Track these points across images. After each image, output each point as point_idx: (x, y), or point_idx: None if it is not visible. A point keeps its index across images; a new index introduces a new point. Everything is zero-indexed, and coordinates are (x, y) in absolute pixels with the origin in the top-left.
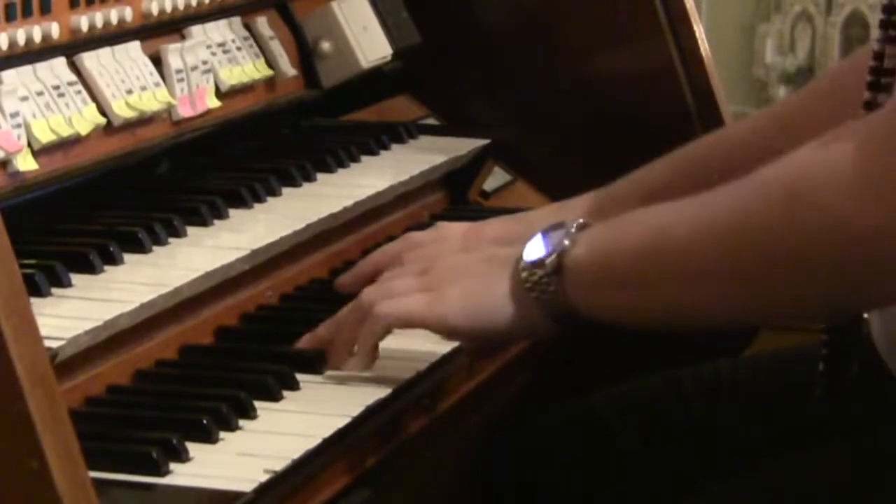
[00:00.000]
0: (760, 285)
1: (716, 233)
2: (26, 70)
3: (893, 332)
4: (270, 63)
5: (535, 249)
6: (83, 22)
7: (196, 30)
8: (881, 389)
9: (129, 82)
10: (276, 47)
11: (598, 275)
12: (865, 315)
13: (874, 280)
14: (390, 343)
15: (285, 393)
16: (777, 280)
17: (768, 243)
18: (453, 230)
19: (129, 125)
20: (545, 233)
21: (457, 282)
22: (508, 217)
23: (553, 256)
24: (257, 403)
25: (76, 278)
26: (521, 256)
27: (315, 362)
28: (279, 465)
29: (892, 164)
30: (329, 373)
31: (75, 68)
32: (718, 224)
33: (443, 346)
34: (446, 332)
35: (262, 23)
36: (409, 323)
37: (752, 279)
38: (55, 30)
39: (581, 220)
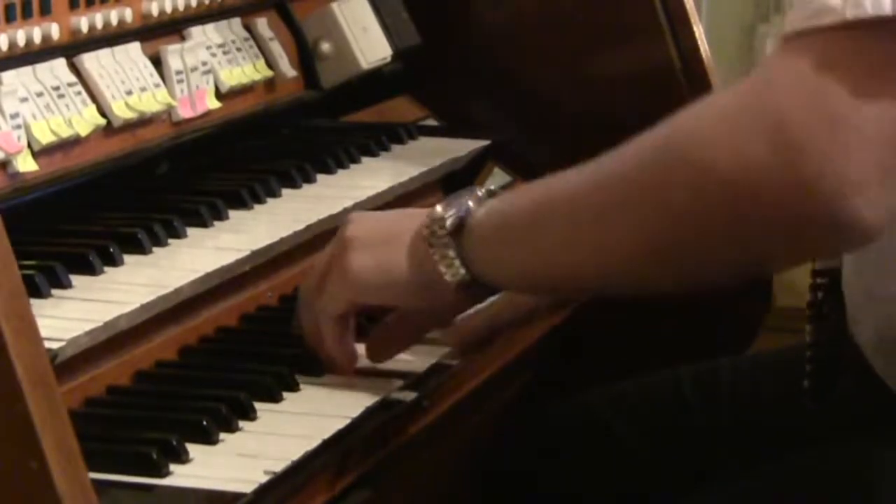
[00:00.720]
0: (637, 244)
1: (599, 192)
2: (26, 71)
3: (886, 338)
4: (270, 64)
5: (443, 209)
6: (83, 23)
7: (196, 31)
8: (873, 394)
9: (128, 83)
10: (276, 48)
11: (490, 234)
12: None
13: (761, 227)
14: None
15: (285, 394)
16: (678, 233)
17: (643, 208)
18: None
19: (129, 126)
20: (457, 195)
21: (368, 241)
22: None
23: (454, 216)
24: (257, 404)
25: (76, 279)
26: (430, 214)
27: (315, 363)
28: (279, 466)
29: (767, 97)
30: (329, 374)
31: (75, 69)
32: (602, 184)
33: (442, 347)
34: (363, 296)
35: (261, 24)
36: (337, 302)
37: (627, 238)
38: (55, 30)
39: (491, 187)
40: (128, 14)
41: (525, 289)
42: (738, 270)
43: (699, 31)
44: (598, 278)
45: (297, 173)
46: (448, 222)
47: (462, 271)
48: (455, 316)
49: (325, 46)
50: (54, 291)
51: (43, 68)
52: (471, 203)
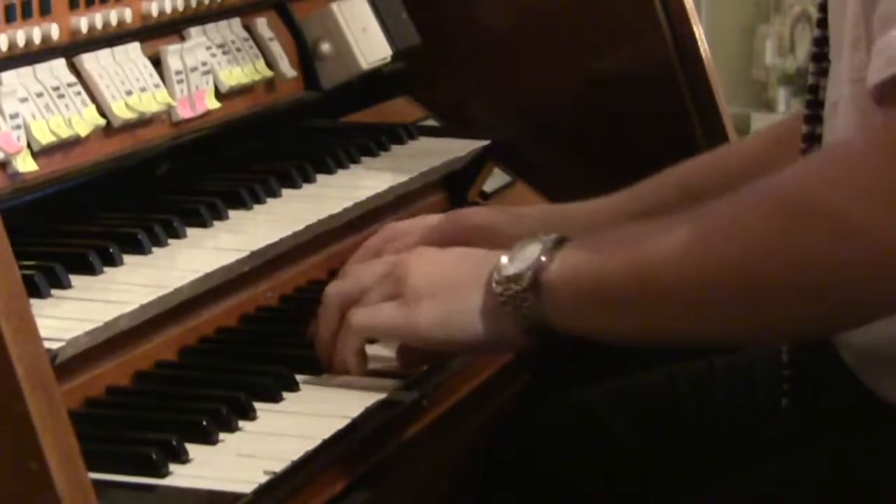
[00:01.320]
0: (761, 305)
1: (711, 253)
2: (26, 71)
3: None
4: (270, 64)
5: (511, 263)
6: (83, 23)
7: (196, 31)
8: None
9: (128, 83)
10: (276, 48)
11: (579, 295)
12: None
13: (882, 293)
14: (390, 345)
15: (285, 394)
16: (780, 299)
17: (769, 260)
18: (433, 219)
19: (129, 126)
20: (521, 246)
21: (431, 290)
22: (496, 207)
23: (530, 272)
24: (257, 405)
25: (76, 279)
26: (496, 267)
27: (315, 363)
28: (279, 467)
29: None
30: (329, 374)
31: (75, 69)
32: (713, 243)
33: None
34: (421, 343)
35: (261, 24)
36: (383, 334)
37: (752, 299)
38: (55, 31)
39: (556, 236)
40: (127, 14)
41: (611, 344)
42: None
43: (699, 31)
44: (708, 336)
45: (297, 173)
46: (525, 280)
47: (540, 327)
48: None
49: (325, 47)
50: (54, 292)
51: (43, 68)
52: (543, 258)
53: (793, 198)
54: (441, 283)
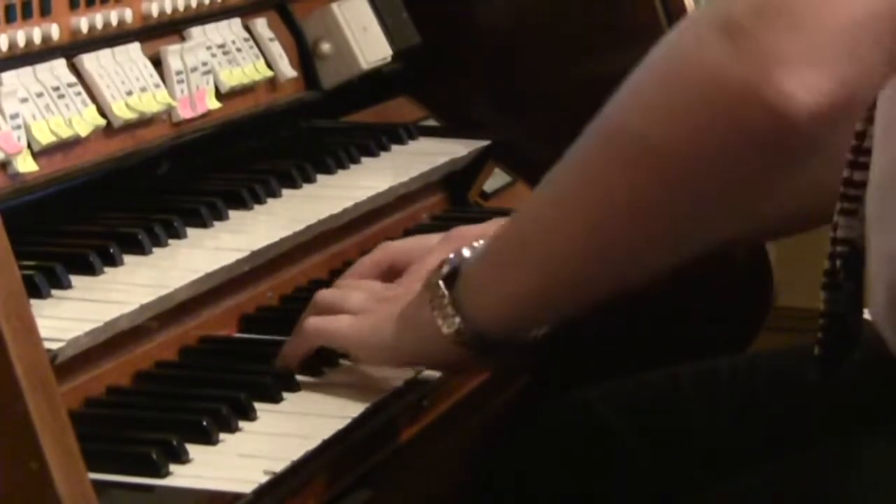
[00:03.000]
0: (645, 209)
1: (581, 175)
2: (26, 71)
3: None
4: (270, 64)
5: (443, 269)
6: (83, 23)
7: (196, 31)
8: (883, 368)
9: (128, 83)
10: (276, 48)
11: (476, 272)
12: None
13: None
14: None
15: (285, 394)
16: (662, 188)
17: (639, 149)
18: (430, 239)
19: (129, 126)
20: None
21: (391, 304)
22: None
23: (449, 265)
24: (257, 405)
25: (76, 279)
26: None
27: (315, 363)
28: (279, 467)
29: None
30: (329, 374)
31: (75, 70)
32: (582, 162)
33: None
34: (362, 354)
35: (261, 24)
36: (330, 342)
37: (632, 204)
38: (55, 31)
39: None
40: (128, 14)
41: (521, 320)
42: (729, 207)
43: None
44: (596, 271)
45: (298, 173)
46: (444, 269)
47: (457, 320)
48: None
49: (326, 46)
50: (54, 292)
51: (43, 69)
52: (466, 251)
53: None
54: (406, 295)
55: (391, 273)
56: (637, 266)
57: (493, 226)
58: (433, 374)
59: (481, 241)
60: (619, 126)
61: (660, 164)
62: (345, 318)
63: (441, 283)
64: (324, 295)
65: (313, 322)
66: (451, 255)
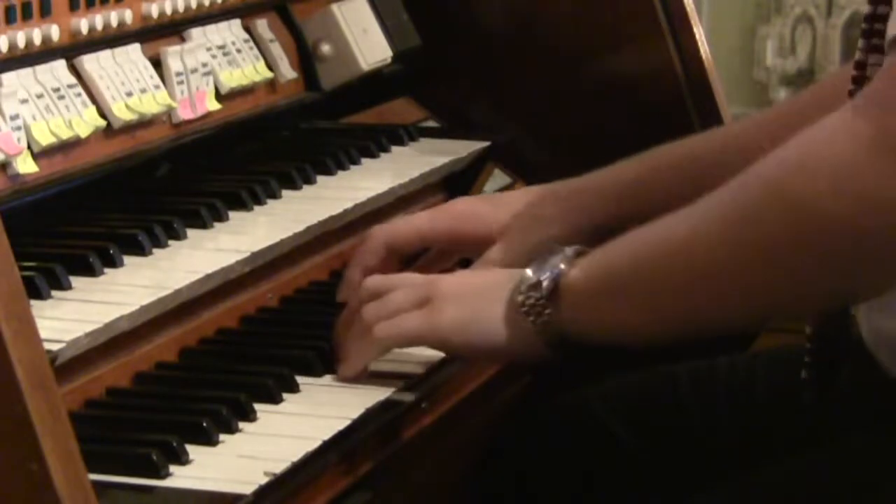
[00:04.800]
0: (756, 280)
1: (710, 231)
2: (26, 72)
3: (879, 329)
4: (270, 65)
5: (534, 273)
6: (83, 24)
7: (196, 32)
8: (875, 388)
9: (128, 85)
10: (276, 50)
11: (592, 293)
12: (853, 313)
13: (867, 262)
14: None
15: (285, 395)
16: (776, 271)
17: (760, 236)
18: (423, 216)
19: (129, 127)
20: (544, 258)
21: (456, 297)
22: (481, 196)
23: (549, 280)
24: (257, 406)
25: (76, 281)
26: (521, 278)
27: (314, 364)
28: (279, 468)
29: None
30: (329, 376)
31: (75, 71)
32: (711, 222)
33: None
34: (441, 347)
35: (262, 25)
36: (406, 343)
37: (748, 274)
38: (55, 32)
39: (578, 247)
40: (128, 15)
41: (624, 343)
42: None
43: (699, 32)
44: (706, 322)
45: (297, 175)
46: (545, 288)
47: (560, 334)
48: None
49: (326, 48)
50: (54, 293)
51: (43, 70)
52: (563, 265)
53: (770, 177)
54: (467, 291)
55: (391, 256)
56: (748, 317)
57: (480, 201)
58: (433, 375)
59: (574, 252)
60: (785, 189)
61: (823, 239)
62: (412, 315)
63: (544, 300)
64: (369, 299)
65: (384, 328)
66: (544, 272)
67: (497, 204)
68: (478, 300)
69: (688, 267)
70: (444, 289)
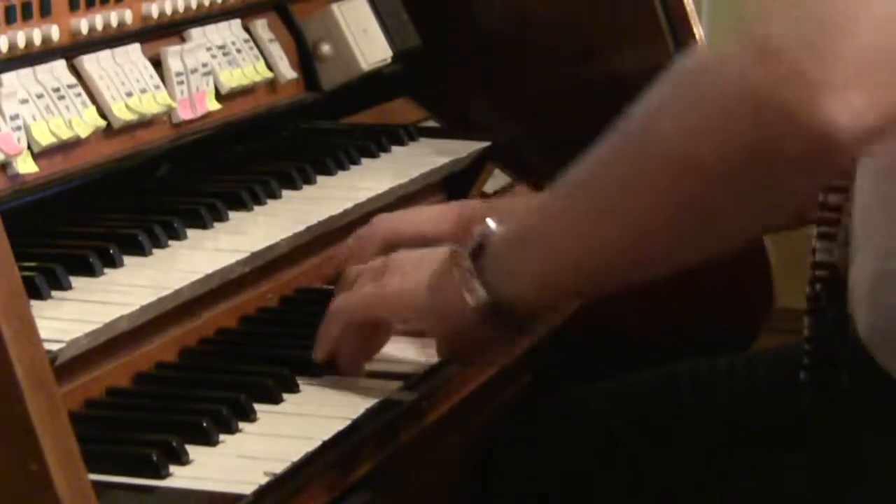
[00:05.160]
0: (679, 213)
1: (617, 174)
2: (26, 73)
3: (875, 328)
4: (270, 65)
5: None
6: (83, 24)
7: (196, 32)
8: (875, 388)
9: (128, 85)
10: (276, 50)
11: (505, 245)
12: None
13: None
14: (389, 346)
15: (285, 395)
16: (692, 177)
17: (676, 143)
18: (426, 209)
19: (129, 128)
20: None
21: (402, 271)
22: (491, 203)
23: (478, 239)
24: (257, 406)
25: (76, 281)
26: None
27: (314, 365)
28: (279, 468)
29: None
30: (329, 375)
31: (75, 71)
32: (618, 162)
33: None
34: (389, 315)
35: (262, 25)
36: (359, 313)
37: (666, 207)
38: (55, 32)
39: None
40: (128, 15)
41: (545, 298)
42: (757, 209)
43: (699, 31)
44: (623, 262)
45: (297, 175)
46: (471, 243)
47: (481, 293)
48: (494, 352)
49: (326, 48)
50: (54, 293)
51: (43, 70)
52: (493, 224)
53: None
54: (416, 262)
55: (387, 251)
56: (664, 261)
57: (490, 209)
58: (433, 375)
59: (501, 216)
60: (655, 137)
61: (698, 179)
62: (363, 288)
63: (468, 255)
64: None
65: (337, 302)
66: (478, 234)
67: (503, 214)
68: (422, 270)
69: (595, 206)
70: (397, 261)
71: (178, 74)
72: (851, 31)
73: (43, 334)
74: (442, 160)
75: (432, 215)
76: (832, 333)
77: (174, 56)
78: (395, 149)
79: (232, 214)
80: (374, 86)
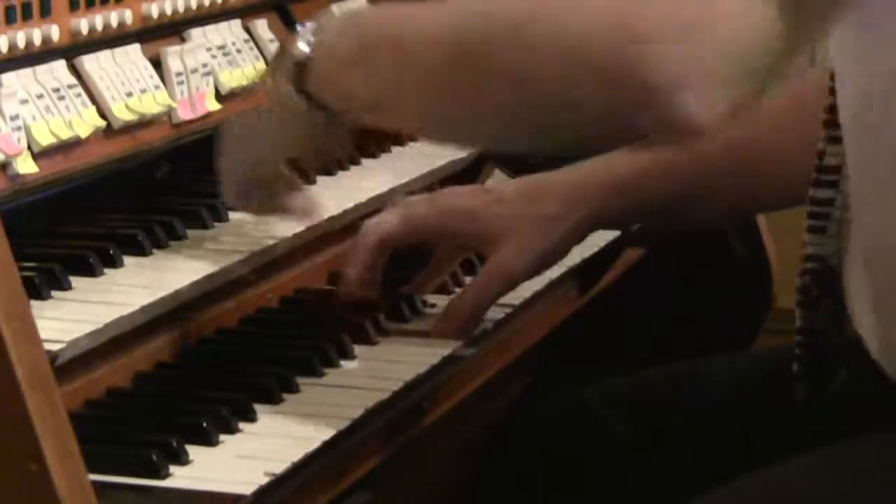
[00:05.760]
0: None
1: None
2: (26, 73)
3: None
4: None
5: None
6: (83, 24)
7: (196, 32)
8: (876, 389)
9: (128, 85)
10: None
11: (330, 52)
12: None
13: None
14: (390, 347)
15: (285, 396)
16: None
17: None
18: (419, 208)
19: (129, 128)
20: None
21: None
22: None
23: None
24: (257, 406)
25: (76, 281)
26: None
27: (314, 364)
28: (279, 468)
29: None
30: (329, 375)
31: (75, 71)
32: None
33: (442, 350)
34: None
35: (261, 25)
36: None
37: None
38: (55, 32)
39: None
40: (128, 16)
41: (355, 110)
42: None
43: None
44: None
45: (298, 174)
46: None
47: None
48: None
49: None
50: (54, 293)
51: (43, 70)
52: (303, 46)
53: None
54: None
55: (385, 251)
56: (460, 130)
57: (476, 197)
58: (432, 376)
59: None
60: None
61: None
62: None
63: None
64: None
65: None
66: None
67: (490, 200)
68: None
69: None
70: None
71: (178, 74)
72: (712, 32)
73: (43, 334)
74: (441, 161)
75: (420, 210)
76: (826, 326)
77: (174, 56)
78: (394, 149)
79: (232, 215)
80: None
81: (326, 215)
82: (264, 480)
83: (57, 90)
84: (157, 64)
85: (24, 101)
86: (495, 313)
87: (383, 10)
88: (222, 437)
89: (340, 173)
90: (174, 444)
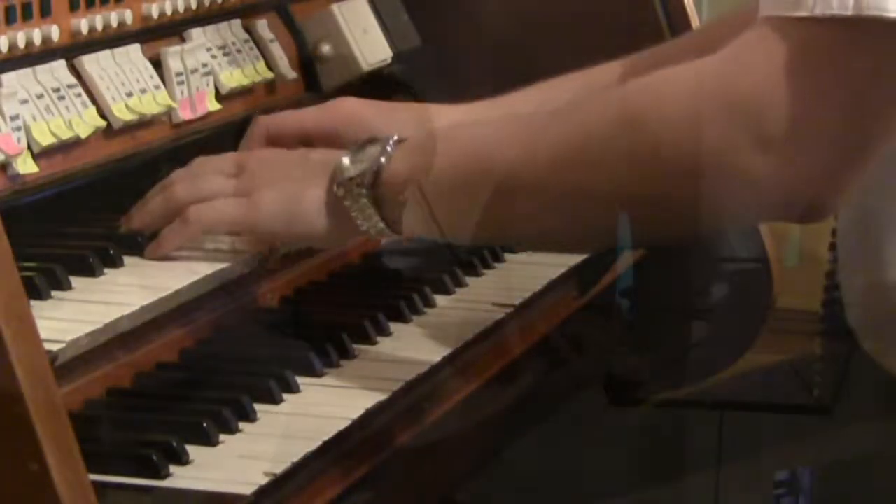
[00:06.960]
0: (585, 205)
1: (547, 148)
2: (26, 73)
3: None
4: (270, 66)
5: (352, 164)
6: (83, 25)
7: (196, 32)
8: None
9: (128, 85)
10: (277, 50)
11: (414, 191)
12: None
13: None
14: (390, 347)
15: (285, 396)
16: (604, 200)
17: (601, 162)
18: (308, 110)
19: (129, 128)
20: (361, 147)
21: (272, 185)
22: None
23: (370, 173)
24: (257, 406)
25: (76, 281)
26: (337, 167)
27: (314, 365)
28: (279, 468)
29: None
30: (329, 376)
31: (75, 71)
32: (549, 138)
33: (442, 350)
34: (260, 235)
35: (262, 25)
36: (223, 229)
37: (577, 198)
38: (55, 32)
39: (397, 137)
40: (128, 16)
41: (453, 240)
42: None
43: None
44: (529, 238)
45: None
46: (365, 181)
47: (381, 225)
48: None
49: (326, 48)
50: (54, 293)
51: (43, 70)
52: (382, 158)
53: (620, 115)
54: (282, 177)
55: (271, 146)
56: (568, 234)
57: (370, 106)
58: (432, 376)
59: (398, 141)
60: (644, 121)
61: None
62: (228, 202)
63: (363, 189)
64: (189, 183)
65: (201, 211)
66: (363, 162)
67: (387, 119)
68: (296, 187)
69: (519, 178)
70: (259, 171)
71: (178, 75)
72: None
73: (43, 334)
74: None
75: (314, 112)
76: (842, 346)
77: (174, 56)
78: None
79: None
80: (375, 86)
81: None
82: (264, 480)
83: (57, 90)
84: (157, 64)
85: (24, 101)
86: (495, 313)
87: (451, 139)
88: (222, 437)
89: None
90: (174, 444)
